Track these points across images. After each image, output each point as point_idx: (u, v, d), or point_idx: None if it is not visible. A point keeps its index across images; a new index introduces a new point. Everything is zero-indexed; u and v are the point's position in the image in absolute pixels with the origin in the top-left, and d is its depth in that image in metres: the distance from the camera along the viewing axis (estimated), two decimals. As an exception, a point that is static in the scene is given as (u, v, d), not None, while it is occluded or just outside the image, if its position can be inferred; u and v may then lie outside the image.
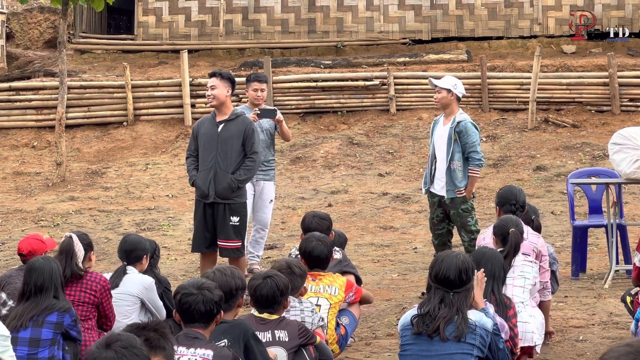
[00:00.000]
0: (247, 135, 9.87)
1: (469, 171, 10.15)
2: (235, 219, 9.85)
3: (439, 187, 10.28)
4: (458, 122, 10.15)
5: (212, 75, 10.14)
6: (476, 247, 8.46)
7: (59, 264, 6.93)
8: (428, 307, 5.83)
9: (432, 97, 15.48)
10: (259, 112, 10.92)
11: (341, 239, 9.09)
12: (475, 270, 6.21)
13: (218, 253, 10.11)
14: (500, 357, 5.89)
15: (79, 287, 7.33)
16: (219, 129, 9.90)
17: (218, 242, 9.96)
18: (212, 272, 6.13)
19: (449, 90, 10.24)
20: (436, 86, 10.31)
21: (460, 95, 10.31)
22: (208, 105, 10.23)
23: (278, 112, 11.07)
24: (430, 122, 18.94)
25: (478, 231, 10.18)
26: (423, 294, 10.02)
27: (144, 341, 4.71)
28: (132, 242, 8.05)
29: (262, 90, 11.20)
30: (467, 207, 10.19)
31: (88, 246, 7.65)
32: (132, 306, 7.78)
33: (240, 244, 9.94)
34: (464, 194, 10.12)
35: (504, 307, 6.71)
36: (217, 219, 9.88)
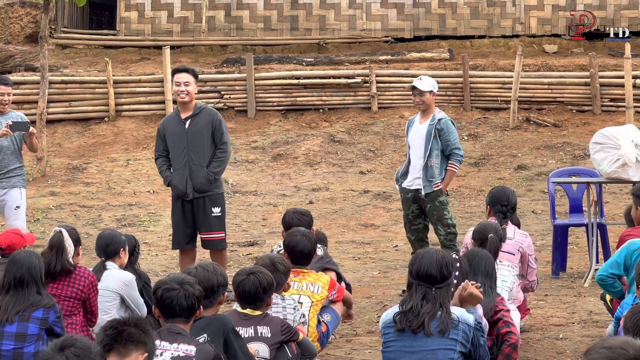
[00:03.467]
0: (216, 126, 9.89)
1: (449, 165, 10.22)
2: (216, 210, 9.89)
3: (412, 181, 10.31)
4: (439, 120, 10.21)
5: (183, 70, 10.04)
6: (462, 245, 8.51)
7: (41, 259, 6.90)
8: (411, 304, 5.84)
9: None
10: (11, 124, 10.53)
11: (320, 236, 9.11)
12: (457, 272, 6.24)
13: (202, 246, 10.11)
14: (481, 353, 5.91)
15: (67, 282, 7.32)
16: (187, 126, 9.87)
17: (201, 236, 9.97)
18: (194, 268, 6.12)
19: (430, 92, 10.28)
20: (422, 91, 10.27)
21: (436, 93, 10.43)
22: (179, 100, 10.01)
23: (30, 125, 10.76)
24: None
25: (454, 225, 10.31)
26: (404, 291, 10.03)
27: (126, 336, 4.70)
28: (107, 237, 8.04)
29: (8, 94, 10.82)
30: (444, 199, 10.25)
31: (77, 241, 7.63)
32: (112, 302, 7.75)
33: (223, 235, 9.99)
34: (440, 186, 10.17)
35: (491, 301, 6.77)
36: (198, 212, 9.89)
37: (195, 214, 9.92)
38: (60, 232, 7.42)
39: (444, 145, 10.17)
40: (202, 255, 11.77)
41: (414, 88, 10.34)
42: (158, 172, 10.39)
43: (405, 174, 10.41)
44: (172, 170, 9.96)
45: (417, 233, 10.41)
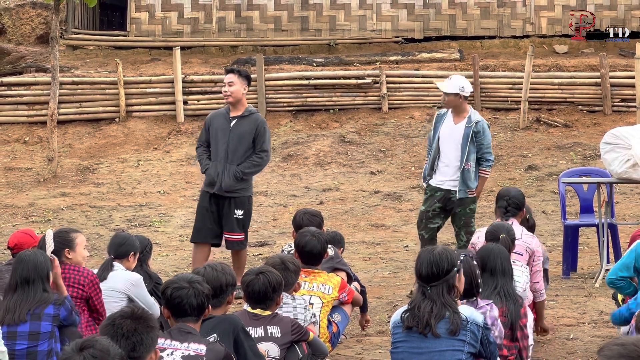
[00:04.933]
0: (259, 133, 10.08)
1: (481, 172, 10.08)
2: (239, 212, 10.08)
3: (444, 181, 10.07)
4: (476, 122, 10.02)
5: (229, 71, 10.26)
6: (471, 244, 8.49)
7: (47, 257, 6.91)
8: (414, 303, 5.85)
9: (424, 95, 15.43)
10: None
11: (338, 237, 9.13)
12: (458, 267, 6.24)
13: (225, 245, 10.27)
14: (492, 350, 5.90)
15: (66, 282, 7.31)
16: (232, 125, 10.07)
17: (224, 235, 10.11)
18: (203, 267, 6.14)
19: (456, 94, 10.07)
20: (445, 92, 10.08)
21: (467, 95, 10.16)
22: (224, 101, 10.26)
23: None
24: (422, 121, 18.96)
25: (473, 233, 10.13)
26: (411, 292, 10.01)
27: (139, 345, 4.69)
28: (122, 237, 8.12)
29: None
30: (474, 207, 10.14)
31: (61, 244, 7.52)
32: (119, 302, 7.75)
33: (243, 236, 10.15)
34: (475, 194, 10.06)
35: (516, 306, 6.74)
36: (223, 212, 10.07)
37: (220, 213, 10.06)
38: (45, 234, 7.42)
39: (477, 147, 10.01)
40: (213, 255, 11.79)
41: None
42: (197, 160, 10.59)
43: (432, 170, 10.19)
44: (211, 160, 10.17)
45: (432, 232, 10.17)
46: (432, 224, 10.16)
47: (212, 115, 10.38)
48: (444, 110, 10.37)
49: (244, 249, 10.31)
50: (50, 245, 7.34)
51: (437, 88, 10.44)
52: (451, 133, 10.11)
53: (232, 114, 10.14)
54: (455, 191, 10.00)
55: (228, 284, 6.11)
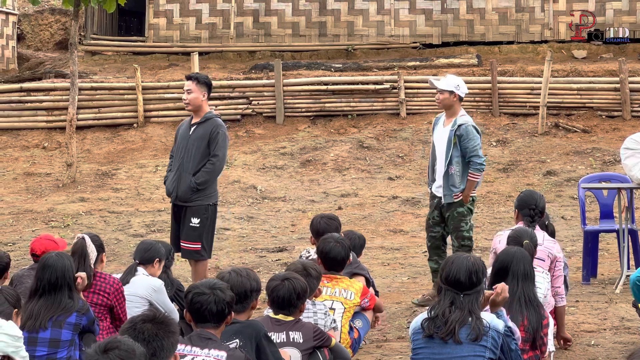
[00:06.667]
0: (212, 137, 9.73)
1: (469, 175, 9.80)
2: (195, 221, 9.69)
3: (437, 188, 9.99)
4: (459, 125, 9.80)
5: (188, 78, 10.01)
6: (491, 250, 8.44)
7: (72, 261, 6.89)
8: (438, 310, 5.81)
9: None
10: None
11: (361, 241, 9.07)
12: (487, 276, 6.19)
13: (181, 254, 9.90)
14: (513, 358, 5.87)
15: (91, 289, 7.31)
16: (191, 132, 9.88)
17: (180, 242, 9.80)
18: (228, 272, 6.13)
19: (451, 92, 9.90)
20: (440, 89, 9.97)
21: (462, 96, 9.97)
22: (186, 109, 10.08)
23: None
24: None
25: (470, 238, 9.93)
26: (420, 297, 9.97)
27: (159, 351, 4.66)
28: (148, 243, 8.17)
29: None
30: (463, 210, 9.84)
31: (100, 247, 7.64)
32: (140, 308, 7.77)
33: (199, 246, 9.70)
34: (461, 197, 9.81)
35: (537, 314, 6.65)
36: (180, 220, 9.81)
37: (181, 222, 9.86)
38: (83, 238, 7.40)
39: (463, 151, 9.79)
40: (232, 261, 11.81)
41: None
42: None
43: (432, 176, 10.13)
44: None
45: (434, 241, 10.06)
46: (433, 232, 10.07)
47: (180, 124, 10.24)
48: (440, 115, 10.25)
49: (205, 261, 9.82)
50: (93, 251, 7.37)
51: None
52: (440, 136, 9.98)
53: (193, 121, 9.93)
54: (442, 197, 9.90)
55: (252, 289, 6.10)
